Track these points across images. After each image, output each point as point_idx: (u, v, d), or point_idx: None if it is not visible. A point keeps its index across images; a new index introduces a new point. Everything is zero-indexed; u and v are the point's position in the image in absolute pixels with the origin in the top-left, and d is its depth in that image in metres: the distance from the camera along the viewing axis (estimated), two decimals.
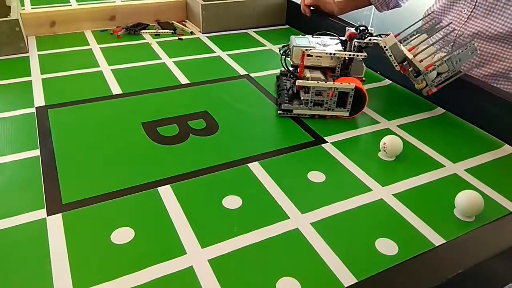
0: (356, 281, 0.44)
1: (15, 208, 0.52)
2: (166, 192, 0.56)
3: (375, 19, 2.35)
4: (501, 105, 0.70)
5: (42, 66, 0.91)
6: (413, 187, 0.59)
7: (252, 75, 0.91)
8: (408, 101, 0.84)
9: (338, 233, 0.51)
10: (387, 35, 0.72)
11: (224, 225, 0.51)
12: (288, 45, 0.78)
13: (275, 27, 1.23)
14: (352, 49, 0.75)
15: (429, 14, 1.02)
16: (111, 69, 0.91)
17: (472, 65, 0.93)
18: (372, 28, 0.76)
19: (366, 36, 0.74)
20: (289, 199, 0.56)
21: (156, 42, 1.07)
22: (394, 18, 1.99)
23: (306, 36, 0.79)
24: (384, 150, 0.64)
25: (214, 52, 1.03)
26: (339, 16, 1.10)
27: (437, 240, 0.50)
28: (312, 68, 0.76)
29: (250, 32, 1.18)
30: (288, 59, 0.77)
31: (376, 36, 0.74)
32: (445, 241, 0.50)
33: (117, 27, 1.14)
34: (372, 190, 0.58)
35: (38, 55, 0.97)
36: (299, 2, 1.16)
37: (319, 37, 0.79)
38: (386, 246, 0.49)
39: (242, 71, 0.93)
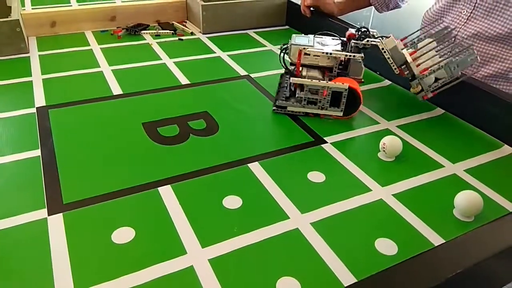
0: (355, 280, 0.45)
1: (16, 208, 0.53)
2: (166, 192, 0.56)
3: (374, 19, 2.36)
4: (500, 106, 0.70)
5: (43, 66, 0.91)
6: (412, 187, 0.59)
7: (252, 75, 0.92)
8: (407, 101, 0.84)
9: (338, 233, 0.51)
10: (388, 37, 0.72)
11: (224, 225, 0.51)
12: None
13: (275, 27, 1.24)
14: (349, 50, 0.75)
15: (435, 21, 1.02)
16: (112, 70, 0.91)
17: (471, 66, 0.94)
18: (374, 31, 0.76)
19: (364, 37, 0.74)
20: (289, 199, 0.56)
21: (157, 42, 1.07)
22: (394, 18, 1.99)
23: (308, 35, 0.79)
24: (384, 151, 0.65)
25: (214, 52, 1.04)
26: (339, 17, 1.10)
27: (436, 240, 0.50)
28: (311, 67, 0.76)
29: (250, 32, 1.19)
30: (287, 57, 0.78)
31: (378, 38, 0.74)
32: (445, 241, 0.50)
33: (117, 27, 1.14)
34: (371, 190, 0.58)
35: (39, 55, 0.97)
36: (299, 3, 1.16)
37: (321, 37, 0.79)
38: (386, 246, 0.49)
39: (242, 72, 0.93)
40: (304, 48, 0.74)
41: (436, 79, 0.73)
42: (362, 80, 0.79)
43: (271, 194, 0.57)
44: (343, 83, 0.71)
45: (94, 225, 0.51)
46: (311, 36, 0.79)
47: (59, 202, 0.54)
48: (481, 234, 0.42)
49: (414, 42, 0.75)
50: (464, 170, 0.63)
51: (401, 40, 0.76)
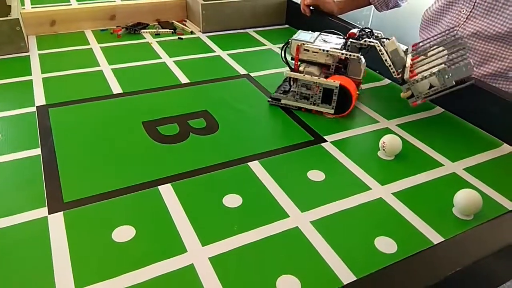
0: (355, 278, 0.45)
1: (16, 207, 0.53)
2: (166, 191, 0.56)
3: (374, 19, 2.36)
4: (500, 105, 0.70)
5: (43, 65, 0.91)
6: (412, 186, 0.60)
7: (252, 74, 0.92)
8: (407, 100, 0.84)
9: (338, 232, 0.51)
10: (389, 39, 0.72)
11: (224, 223, 0.52)
12: None
13: (275, 26, 1.24)
14: (346, 49, 0.75)
15: (435, 20, 1.01)
16: (111, 69, 0.91)
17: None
18: (379, 32, 0.75)
19: (363, 37, 0.74)
20: (289, 198, 0.56)
21: (156, 41, 1.08)
22: (393, 18, 1.99)
23: (314, 32, 0.79)
24: (384, 149, 0.65)
25: (214, 51, 1.04)
26: (338, 16, 1.10)
27: (435, 238, 0.50)
28: (311, 63, 0.76)
29: (250, 31, 1.19)
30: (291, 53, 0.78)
31: (383, 39, 0.74)
32: (444, 240, 0.50)
33: (117, 26, 1.14)
34: (371, 189, 0.59)
35: (39, 54, 0.97)
36: (299, 2, 1.16)
37: (327, 35, 0.79)
38: (385, 244, 0.49)
39: (242, 71, 0.93)
40: (302, 44, 0.74)
41: (431, 86, 0.70)
42: (362, 81, 0.79)
43: (271, 192, 0.57)
44: (334, 81, 0.72)
45: (94, 223, 0.51)
46: (316, 33, 0.79)
47: (60, 201, 0.54)
48: (480, 233, 0.42)
49: (426, 49, 0.73)
50: (463, 169, 0.64)
51: (413, 46, 0.75)
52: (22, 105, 0.75)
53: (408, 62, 0.71)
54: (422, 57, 0.73)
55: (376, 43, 0.71)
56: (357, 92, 0.80)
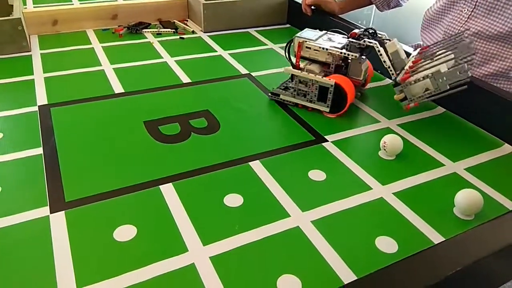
0: (356, 278, 0.45)
1: (18, 206, 0.53)
2: (168, 190, 0.57)
3: (376, 18, 2.35)
4: (501, 105, 0.70)
5: (45, 64, 0.92)
6: (413, 185, 0.60)
7: (253, 74, 0.92)
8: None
9: (339, 231, 0.51)
10: (391, 40, 0.72)
11: (225, 223, 0.52)
12: None
13: (276, 26, 1.24)
14: (346, 49, 0.75)
15: (436, 20, 1.00)
16: (113, 68, 0.91)
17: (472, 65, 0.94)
18: (383, 33, 0.75)
19: (363, 37, 0.74)
20: (290, 198, 0.56)
21: (158, 41, 1.08)
22: (395, 17, 1.99)
23: (320, 31, 0.80)
24: (385, 149, 0.65)
25: (216, 51, 1.04)
26: (340, 16, 1.10)
27: (436, 238, 0.50)
28: (313, 61, 0.76)
29: (251, 31, 1.19)
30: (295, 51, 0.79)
31: (385, 40, 0.74)
32: (445, 239, 0.50)
33: (119, 26, 1.14)
34: (372, 188, 0.59)
35: (41, 53, 0.97)
36: (300, 2, 1.16)
37: (333, 34, 0.80)
38: (386, 244, 0.49)
39: (244, 70, 0.93)
40: (304, 41, 0.74)
41: (427, 90, 0.68)
42: (362, 81, 0.79)
43: (272, 192, 0.57)
44: (330, 79, 0.72)
45: (96, 223, 0.51)
46: (322, 32, 0.79)
47: (61, 200, 0.54)
48: (481, 233, 0.42)
49: (435, 53, 0.71)
50: (464, 169, 0.64)
51: (423, 49, 0.74)
52: (24, 104, 0.76)
53: (408, 64, 0.71)
54: (428, 60, 0.72)
55: (375, 43, 0.71)
56: (359, 93, 0.81)
